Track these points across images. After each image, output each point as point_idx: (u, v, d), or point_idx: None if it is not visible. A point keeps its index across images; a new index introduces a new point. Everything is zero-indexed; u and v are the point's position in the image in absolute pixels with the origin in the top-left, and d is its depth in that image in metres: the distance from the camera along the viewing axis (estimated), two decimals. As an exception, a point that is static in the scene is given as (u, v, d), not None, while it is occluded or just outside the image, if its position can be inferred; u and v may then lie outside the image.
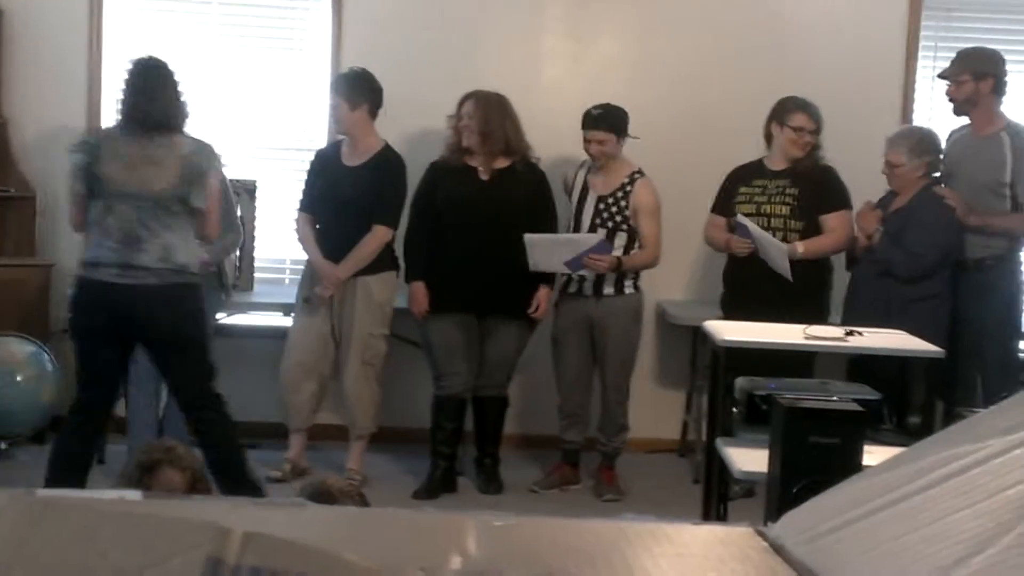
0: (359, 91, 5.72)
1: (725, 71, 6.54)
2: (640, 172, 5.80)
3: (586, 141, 5.75)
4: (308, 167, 5.90)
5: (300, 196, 5.91)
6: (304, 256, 5.89)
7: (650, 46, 6.59)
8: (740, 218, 5.58)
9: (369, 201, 5.66)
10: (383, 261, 5.75)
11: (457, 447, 5.85)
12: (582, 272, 5.69)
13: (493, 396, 5.86)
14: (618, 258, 5.70)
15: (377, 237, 5.69)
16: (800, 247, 5.52)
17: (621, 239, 5.77)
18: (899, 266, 5.38)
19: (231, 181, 5.87)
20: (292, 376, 5.83)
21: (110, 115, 6.48)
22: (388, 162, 5.74)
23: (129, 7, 6.53)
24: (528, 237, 5.60)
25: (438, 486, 5.75)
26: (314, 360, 5.82)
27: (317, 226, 5.80)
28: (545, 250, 5.64)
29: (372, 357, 5.79)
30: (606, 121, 5.74)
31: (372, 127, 5.77)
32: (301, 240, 5.85)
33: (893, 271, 5.39)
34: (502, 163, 5.70)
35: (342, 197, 5.67)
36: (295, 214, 5.92)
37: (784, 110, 5.68)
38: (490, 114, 5.66)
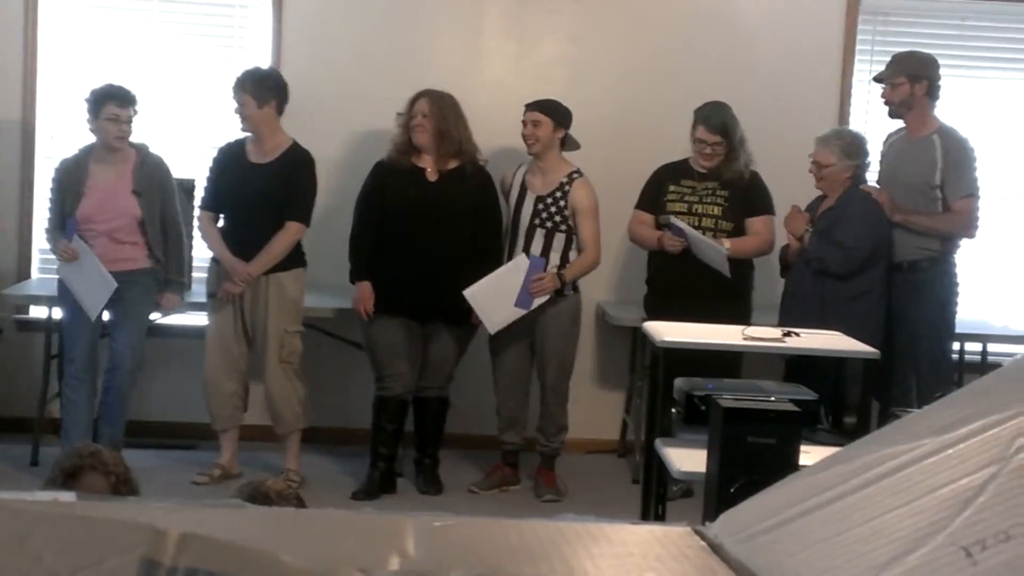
0: (266, 89, 5.67)
1: (662, 73, 6.57)
2: (579, 172, 5.81)
3: (523, 125, 5.75)
4: (211, 164, 5.83)
5: (202, 193, 5.85)
6: (209, 254, 5.85)
7: (590, 47, 6.61)
8: (673, 220, 5.61)
9: (280, 198, 5.63)
10: (293, 257, 5.72)
11: (397, 448, 5.83)
12: (537, 303, 5.63)
13: (434, 397, 5.84)
14: (558, 275, 5.67)
15: (291, 233, 5.66)
16: (727, 243, 5.58)
17: (560, 240, 5.76)
18: (832, 262, 5.44)
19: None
20: (211, 375, 5.78)
21: (46, 112, 6.43)
22: (299, 159, 5.71)
23: (67, 6, 6.45)
24: (468, 293, 5.51)
25: (377, 487, 5.73)
26: (231, 359, 5.78)
27: (219, 224, 5.76)
28: (490, 297, 5.56)
29: (289, 355, 5.76)
30: (542, 104, 5.74)
31: (279, 125, 5.72)
32: (207, 237, 5.79)
33: (827, 268, 5.45)
34: (451, 164, 5.68)
35: (251, 194, 5.63)
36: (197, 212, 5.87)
37: (694, 119, 5.74)
38: (446, 113, 5.63)
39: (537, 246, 5.75)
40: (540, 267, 5.62)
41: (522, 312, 5.62)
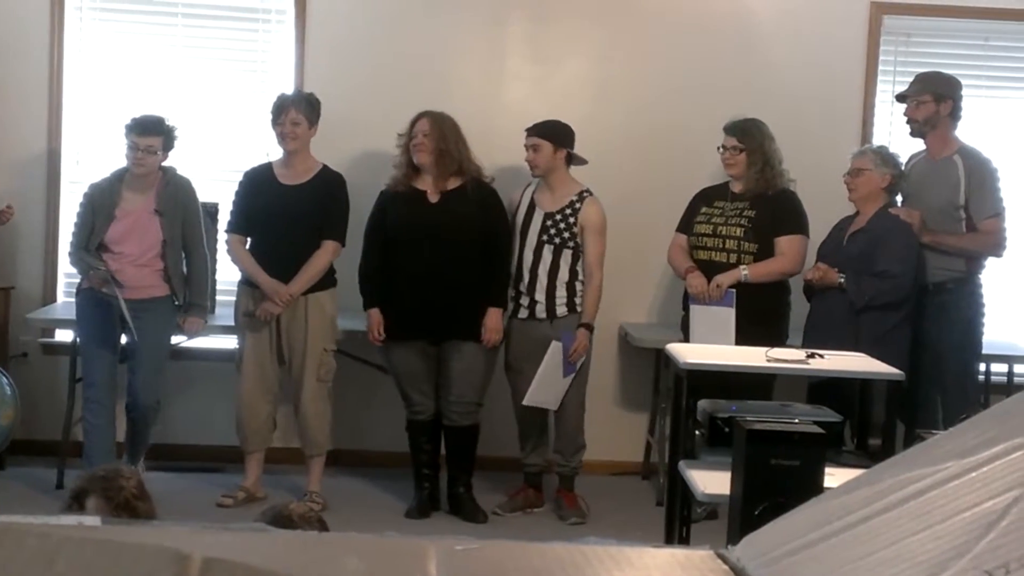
0: (316, 112, 5.77)
1: (687, 95, 6.57)
2: (589, 191, 5.82)
3: (525, 149, 5.78)
4: (238, 187, 5.86)
5: (229, 217, 5.88)
6: (234, 277, 5.88)
7: (612, 69, 6.62)
8: (732, 293, 5.52)
9: (316, 218, 5.67)
10: (329, 277, 5.77)
11: (439, 467, 5.84)
12: (579, 363, 5.76)
13: (465, 425, 5.78)
14: (585, 327, 5.72)
15: (328, 253, 5.70)
16: (745, 270, 5.55)
17: (568, 256, 5.77)
18: (881, 295, 5.36)
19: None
20: (248, 398, 5.80)
21: (71, 138, 6.48)
22: (333, 180, 5.77)
23: (91, 31, 6.50)
24: (528, 400, 5.70)
25: (427, 506, 5.76)
26: (268, 380, 5.80)
27: (247, 246, 5.79)
28: (544, 388, 5.69)
29: (326, 374, 5.78)
30: (540, 127, 5.76)
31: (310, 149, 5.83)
32: (239, 260, 5.80)
33: (876, 303, 5.37)
34: (452, 184, 5.69)
35: (286, 215, 5.66)
36: (225, 236, 5.90)
37: None
38: (446, 132, 5.65)
39: (546, 262, 5.76)
40: (571, 340, 5.68)
41: (572, 376, 5.75)
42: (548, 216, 5.79)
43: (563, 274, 5.76)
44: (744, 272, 5.54)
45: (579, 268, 5.78)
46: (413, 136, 5.66)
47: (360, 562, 0.93)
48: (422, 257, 5.62)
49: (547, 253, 5.76)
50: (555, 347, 5.67)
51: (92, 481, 3.27)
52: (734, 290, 5.53)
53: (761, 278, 5.56)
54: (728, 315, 5.48)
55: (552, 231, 5.77)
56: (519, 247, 5.81)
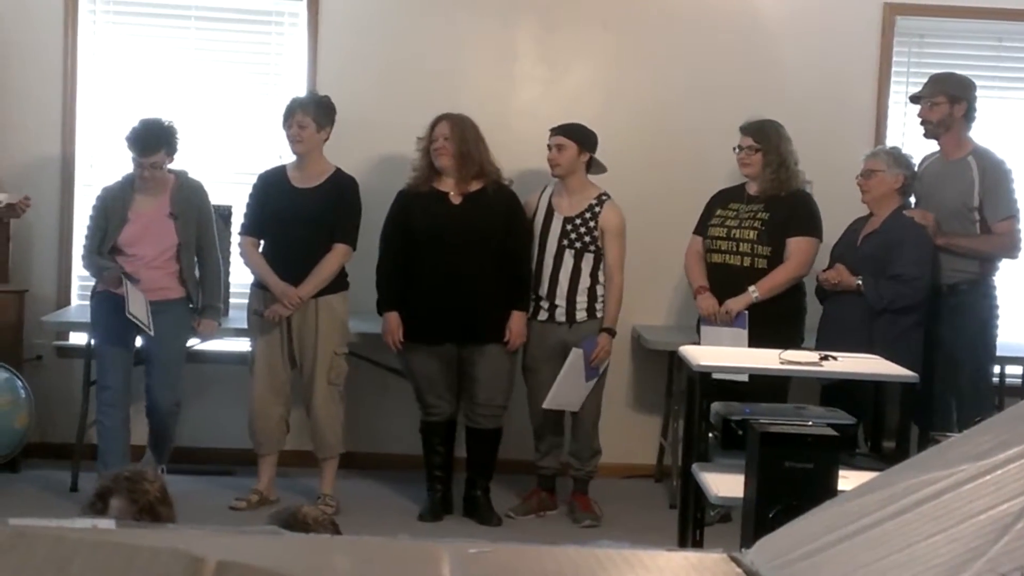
0: (326, 115, 5.76)
1: (699, 98, 6.56)
2: (607, 195, 5.82)
3: (548, 148, 5.77)
4: (252, 190, 5.86)
5: (242, 220, 5.89)
6: (247, 279, 5.90)
7: (623, 72, 6.62)
8: (744, 315, 5.53)
9: (328, 221, 5.68)
10: (340, 280, 5.77)
11: (451, 470, 5.84)
12: (602, 367, 5.77)
13: (489, 428, 5.79)
14: (606, 332, 5.73)
15: (339, 256, 5.71)
16: (755, 292, 5.53)
17: (589, 260, 5.77)
18: (899, 298, 5.35)
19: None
20: (260, 401, 5.80)
21: (85, 141, 6.50)
22: (346, 183, 5.78)
23: (105, 34, 6.53)
24: (547, 404, 5.70)
25: (440, 509, 5.76)
26: (280, 383, 5.81)
27: (259, 249, 5.80)
28: (565, 393, 5.69)
29: (337, 376, 5.79)
30: (567, 128, 5.76)
31: (323, 151, 5.81)
32: (252, 263, 5.80)
33: (894, 306, 5.36)
34: (474, 186, 5.70)
35: (299, 218, 5.66)
36: (238, 238, 5.92)
37: None
38: (466, 134, 5.66)
39: (567, 267, 5.76)
40: (592, 346, 5.68)
41: (594, 380, 5.75)
42: (568, 220, 5.78)
43: (584, 279, 5.75)
44: (755, 295, 5.53)
45: (600, 272, 5.78)
46: (433, 140, 5.66)
47: (348, 561, 0.94)
48: (445, 259, 5.61)
49: (568, 258, 5.76)
50: (576, 353, 5.66)
51: (117, 481, 3.27)
52: (746, 312, 5.53)
53: (771, 292, 5.55)
54: (741, 336, 5.47)
55: (572, 236, 5.77)
56: (538, 252, 5.81)
